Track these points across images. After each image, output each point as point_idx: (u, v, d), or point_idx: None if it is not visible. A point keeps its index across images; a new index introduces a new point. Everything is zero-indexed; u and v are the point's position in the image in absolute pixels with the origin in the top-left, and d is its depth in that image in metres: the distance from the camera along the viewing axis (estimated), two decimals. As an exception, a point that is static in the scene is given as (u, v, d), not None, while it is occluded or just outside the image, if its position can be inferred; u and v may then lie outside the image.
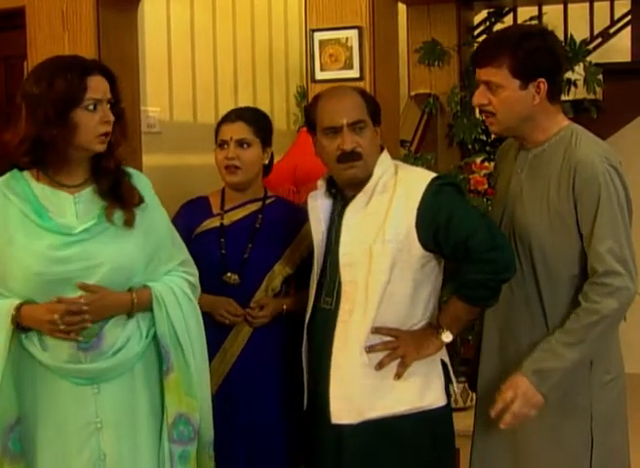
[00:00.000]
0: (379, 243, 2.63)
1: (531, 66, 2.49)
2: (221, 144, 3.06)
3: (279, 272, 3.04)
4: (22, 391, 2.42)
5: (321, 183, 2.83)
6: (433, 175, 2.72)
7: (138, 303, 2.45)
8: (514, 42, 2.51)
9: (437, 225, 2.60)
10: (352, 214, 2.70)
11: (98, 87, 2.40)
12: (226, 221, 3.07)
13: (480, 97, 2.57)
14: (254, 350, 3.00)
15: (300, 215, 3.08)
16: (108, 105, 2.42)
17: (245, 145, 3.04)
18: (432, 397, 2.69)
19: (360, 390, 2.64)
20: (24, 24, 4.20)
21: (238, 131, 3.04)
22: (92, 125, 2.38)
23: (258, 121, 3.11)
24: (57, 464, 2.41)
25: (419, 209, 2.61)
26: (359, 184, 2.71)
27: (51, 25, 4.13)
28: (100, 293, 2.39)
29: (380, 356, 2.65)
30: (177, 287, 2.54)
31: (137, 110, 4.34)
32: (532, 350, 2.54)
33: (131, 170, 2.57)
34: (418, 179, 2.69)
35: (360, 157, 2.66)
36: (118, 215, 2.45)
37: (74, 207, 2.43)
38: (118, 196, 2.46)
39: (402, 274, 2.64)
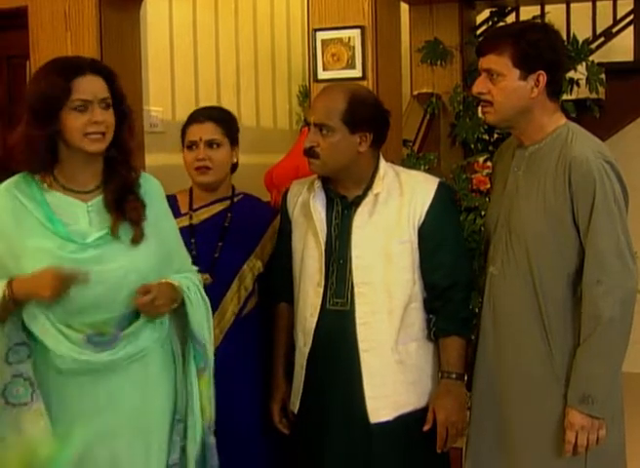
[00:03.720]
0: (395, 244, 2.72)
1: (532, 57, 2.52)
2: (190, 146, 3.03)
3: (250, 270, 3.02)
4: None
5: (318, 184, 2.84)
6: (437, 178, 2.86)
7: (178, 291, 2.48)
8: (517, 32, 2.56)
9: (432, 239, 2.75)
10: (362, 216, 2.76)
11: (86, 88, 2.36)
12: (195, 221, 3.05)
13: (480, 85, 2.59)
14: (228, 348, 2.94)
15: (267, 211, 3.13)
16: (103, 105, 2.39)
17: (215, 146, 3.02)
18: None
19: (395, 387, 2.74)
20: (27, 24, 4.20)
21: (208, 131, 3.02)
22: (78, 126, 2.36)
23: (226, 121, 3.09)
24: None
25: (428, 212, 2.75)
26: (356, 185, 2.78)
27: (53, 25, 4.13)
28: (154, 285, 2.41)
29: (411, 353, 2.76)
30: (193, 283, 2.57)
31: (139, 110, 4.34)
32: (529, 350, 2.55)
33: (144, 177, 2.56)
34: (424, 182, 2.83)
35: (317, 156, 2.75)
36: (125, 230, 2.43)
37: (87, 215, 2.43)
38: (122, 212, 2.44)
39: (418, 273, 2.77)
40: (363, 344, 2.72)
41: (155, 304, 2.38)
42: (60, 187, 2.43)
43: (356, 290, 2.74)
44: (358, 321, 2.73)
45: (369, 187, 2.78)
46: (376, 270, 2.74)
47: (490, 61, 2.55)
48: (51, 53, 3.81)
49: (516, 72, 2.53)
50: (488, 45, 2.58)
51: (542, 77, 2.53)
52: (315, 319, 2.78)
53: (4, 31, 4.65)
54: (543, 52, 2.53)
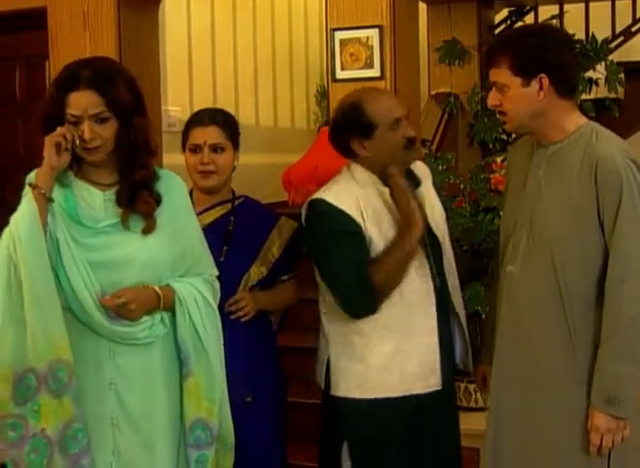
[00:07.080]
0: (442, 222, 2.95)
1: (528, 63, 2.55)
2: (194, 149, 3.00)
3: (254, 273, 3.01)
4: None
5: (378, 184, 2.80)
6: None
7: (164, 299, 2.46)
8: (511, 42, 2.62)
9: None
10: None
11: (77, 103, 2.38)
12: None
13: (492, 98, 2.65)
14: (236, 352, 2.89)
15: (269, 216, 3.12)
16: (95, 119, 2.38)
17: (219, 150, 2.99)
18: None
19: None
20: (46, 24, 4.22)
21: (212, 135, 2.99)
22: (72, 138, 2.39)
23: (229, 125, 3.05)
24: None
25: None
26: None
27: (72, 25, 4.15)
28: (131, 290, 2.40)
29: None
30: (197, 290, 2.54)
31: (157, 110, 4.35)
32: (551, 350, 2.55)
33: (163, 172, 2.56)
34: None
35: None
36: (136, 222, 2.45)
37: (104, 203, 2.46)
38: (132, 206, 2.45)
39: None
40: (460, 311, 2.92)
41: (126, 308, 2.38)
42: (83, 178, 2.48)
43: (445, 261, 2.89)
44: (451, 290, 2.89)
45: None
46: (445, 244, 2.92)
47: (493, 75, 2.62)
48: (70, 53, 3.82)
49: (518, 80, 2.56)
50: (489, 59, 2.63)
51: (544, 80, 2.55)
52: (434, 300, 2.82)
53: (23, 31, 4.69)
54: (539, 55, 2.55)
